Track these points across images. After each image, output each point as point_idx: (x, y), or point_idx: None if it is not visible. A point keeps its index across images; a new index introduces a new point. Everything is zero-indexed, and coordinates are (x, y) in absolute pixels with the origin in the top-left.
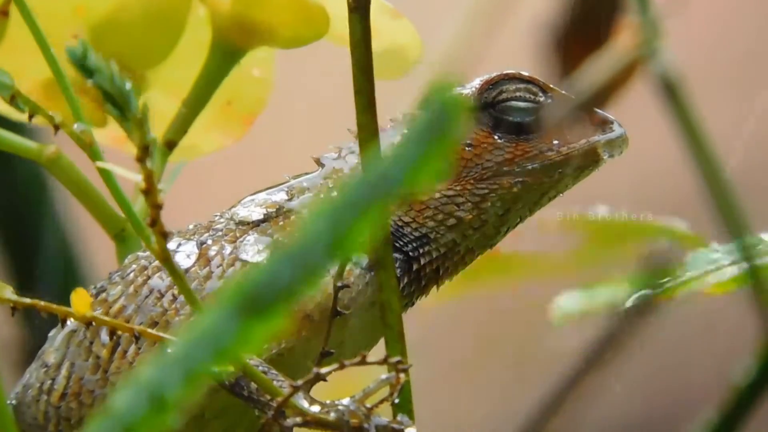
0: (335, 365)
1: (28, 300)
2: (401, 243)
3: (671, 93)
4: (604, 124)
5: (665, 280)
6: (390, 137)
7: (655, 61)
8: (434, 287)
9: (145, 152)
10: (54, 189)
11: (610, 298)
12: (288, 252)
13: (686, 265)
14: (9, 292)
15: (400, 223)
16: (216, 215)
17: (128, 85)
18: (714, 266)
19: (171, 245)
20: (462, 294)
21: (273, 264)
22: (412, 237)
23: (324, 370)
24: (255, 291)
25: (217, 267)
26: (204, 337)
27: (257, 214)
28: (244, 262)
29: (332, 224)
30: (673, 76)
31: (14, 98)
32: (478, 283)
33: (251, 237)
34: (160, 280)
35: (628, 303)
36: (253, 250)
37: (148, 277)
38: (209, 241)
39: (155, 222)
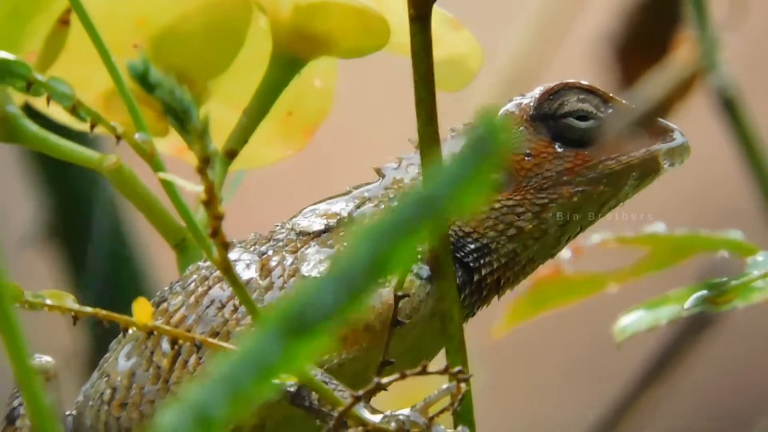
0: (396, 375)
1: (89, 309)
2: (462, 254)
3: (729, 106)
4: (666, 133)
5: (726, 289)
6: (451, 147)
7: (713, 75)
8: (495, 297)
9: (205, 164)
10: (115, 199)
11: (672, 315)
12: (332, 274)
13: (749, 267)
14: (71, 302)
15: (460, 234)
16: (277, 225)
17: (189, 98)
18: None
19: (232, 255)
20: (529, 318)
21: (317, 286)
22: (472, 248)
23: (385, 380)
24: (299, 313)
25: (278, 278)
26: (249, 358)
27: (318, 224)
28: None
29: (374, 248)
30: (731, 90)
31: (75, 108)
32: (544, 307)
33: (312, 248)
34: (221, 291)
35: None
36: (314, 261)
37: (209, 288)
38: (270, 252)
39: (216, 233)
